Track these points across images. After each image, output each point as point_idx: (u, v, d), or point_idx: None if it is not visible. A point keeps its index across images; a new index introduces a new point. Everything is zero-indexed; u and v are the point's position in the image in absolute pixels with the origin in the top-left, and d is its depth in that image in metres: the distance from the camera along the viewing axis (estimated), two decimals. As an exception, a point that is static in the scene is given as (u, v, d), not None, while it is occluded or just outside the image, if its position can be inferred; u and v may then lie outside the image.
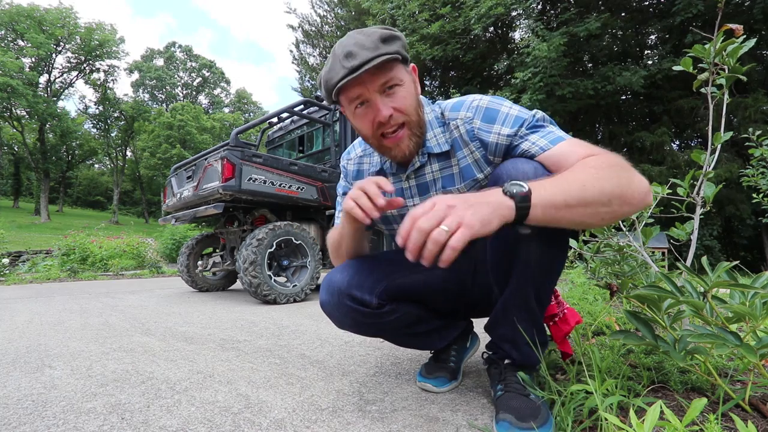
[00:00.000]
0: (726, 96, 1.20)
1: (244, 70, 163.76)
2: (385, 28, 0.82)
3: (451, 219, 0.61)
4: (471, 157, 0.90)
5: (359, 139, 1.09)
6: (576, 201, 0.66)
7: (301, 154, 4.60)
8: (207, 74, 46.44)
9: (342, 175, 1.13)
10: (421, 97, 0.95)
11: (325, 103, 4.12)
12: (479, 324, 1.33)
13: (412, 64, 0.88)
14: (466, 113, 0.90)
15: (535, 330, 0.90)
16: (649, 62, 13.07)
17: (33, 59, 28.36)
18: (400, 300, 1.00)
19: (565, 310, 1.08)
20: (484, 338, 1.46)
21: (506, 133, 0.84)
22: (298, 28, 18.82)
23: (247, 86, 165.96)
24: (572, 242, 1.58)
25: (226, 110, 47.63)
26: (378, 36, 0.80)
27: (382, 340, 1.67)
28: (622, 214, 0.70)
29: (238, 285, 4.69)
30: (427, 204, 0.64)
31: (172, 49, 44.35)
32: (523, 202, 0.64)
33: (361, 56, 0.77)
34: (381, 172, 1.02)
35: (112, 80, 35.06)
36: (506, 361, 0.93)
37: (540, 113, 0.86)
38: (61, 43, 29.79)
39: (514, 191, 0.65)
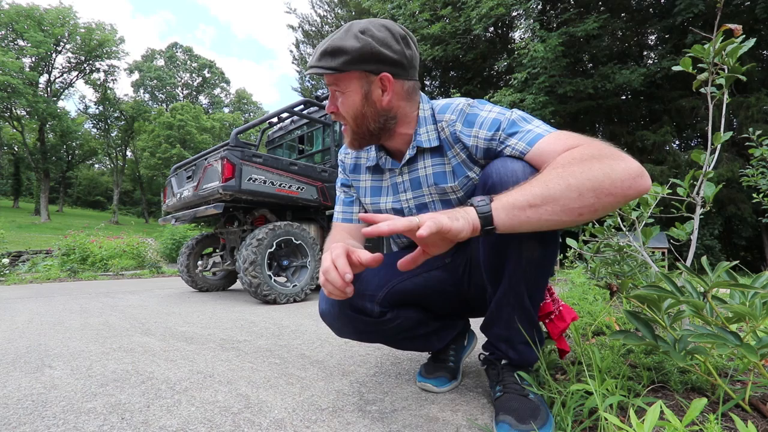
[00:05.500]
0: (726, 96, 1.20)
1: (244, 67, 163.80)
2: (342, 39, 0.83)
3: (423, 217, 0.65)
4: (458, 157, 0.92)
5: None
6: (539, 200, 0.66)
7: (301, 154, 4.61)
8: (207, 74, 46.47)
9: (340, 169, 1.15)
10: (421, 94, 0.97)
11: (325, 102, 4.13)
12: (476, 323, 1.34)
13: (383, 74, 0.85)
14: (450, 116, 0.91)
15: (530, 328, 0.90)
16: (649, 62, 13.07)
17: (33, 59, 28.37)
18: (400, 305, 1.01)
19: (561, 308, 1.08)
20: (482, 337, 1.46)
21: (484, 136, 0.85)
22: (299, 28, 18.85)
23: (247, 84, 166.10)
24: (572, 242, 1.58)
25: (226, 110, 47.65)
26: (325, 48, 0.84)
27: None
28: (605, 206, 0.67)
29: (238, 285, 4.69)
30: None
31: (173, 49, 44.38)
32: (483, 209, 0.68)
33: (312, 59, 0.88)
34: (377, 167, 1.04)
35: (112, 80, 35.09)
36: (503, 362, 0.94)
37: (516, 113, 0.85)
38: (61, 43, 29.80)
39: (474, 202, 0.69)
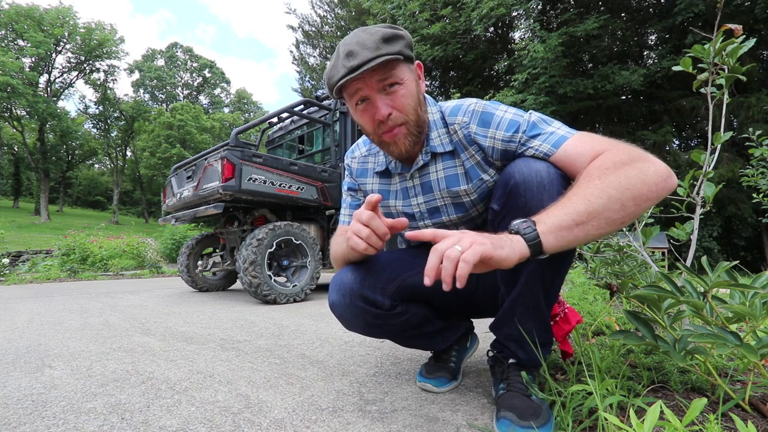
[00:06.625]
0: (726, 96, 1.20)
1: (244, 67, 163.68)
2: (390, 27, 0.82)
3: (464, 241, 0.63)
4: (473, 159, 0.91)
5: (363, 137, 1.10)
6: (585, 216, 0.66)
7: (301, 154, 4.61)
8: (207, 74, 46.47)
9: (346, 173, 1.15)
10: (427, 96, 0.96)
11: (325, 102, 4.13)
12: (480, 324, 1.33)
13: (417, 62, 0.89)
14: (462, 118, 0.90)
15: (541, 330, 0.90)
16: (649, 62, 13.08)
17: (33, 59, 28.36)
18: (410, 300, 1.01)
19: (566, 310, 1.08)
20: (484, 338, 1.46)
21: (501, 137, 0.85)
22: (298, 28, 18.83)
23: (247, 83, 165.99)
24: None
25: (226, 110, 47.64)
26: (380, 36, 0.80)
27: (382, 340, 1.68)
28: (643, 210, 0.68)
29: (238, 285, 4.69)
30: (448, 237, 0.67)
31: (174, 49, 44.38)
32: (531, 236, 0.66)
33: (361, 56, 0.78)
34: (386, 172, 1.03)
35: (112, 80, 35.07)
36: (511, 361, 0.93)
37: (535, 115, 0.85)
38: (61, 43, 29.79)
39: (520, 228, 0.67)
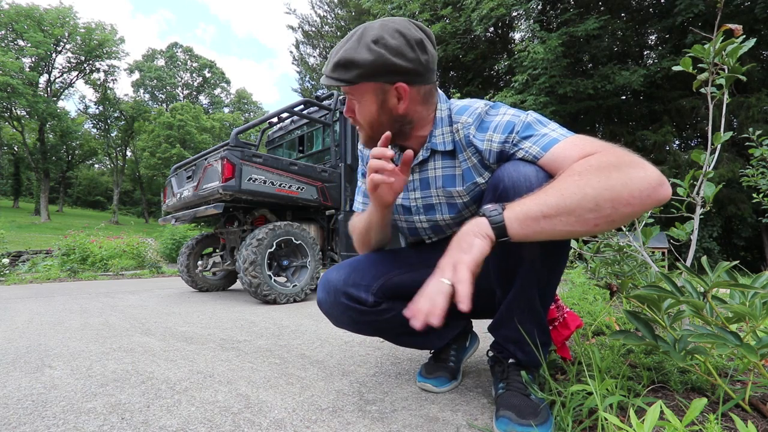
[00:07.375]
0: (726, 96, 1.20)
1: (244, 66, 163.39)
2: (363, 45, 0.81)
3: (446, 271, 0.67)
4: (469, 161, 0.91)
5: None
6: (554, 210, 0.65)
7: (301, 154, 4.60)
8: (207, 74, 46.47)
9: (360, 161, 1.17)
10: (440, 93, 0.97)
11: (325, 102, 4.13)
12: (481, 325, 1.33)
13: (398, 84, 0.84)
14: (466, 118, 0.90)
15: (539, 330, 0.89)
16: (649, 62, 13.08)
17: (33, 59, 28.37)
18: (397, 298, 1.00)
19: (565, 314, 1.07)
20: (484, 338, 1.46)
21: (497, 140, 0.84)
22: (298, 28, 18.85)
23: (247, 83, 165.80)
24: (572, 242, 1.58)
25: (226, 110, 47.65)
26: (335, 61, 0.83)
27: (381, 339, 1.68)
28: (623, 216, 0.65)
29: (238, 285, 4.69)
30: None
31: (174, 49, 44.39)
32: (496, 219, 0.68)
33: (325, 68, 0.87)
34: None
35: (112, 80, 35.13)
36: (510, 361, 0.93)
37: (532, 115, 0.83)
38: (61, 43, 29.81)
39: (487, 212, 0.69)
